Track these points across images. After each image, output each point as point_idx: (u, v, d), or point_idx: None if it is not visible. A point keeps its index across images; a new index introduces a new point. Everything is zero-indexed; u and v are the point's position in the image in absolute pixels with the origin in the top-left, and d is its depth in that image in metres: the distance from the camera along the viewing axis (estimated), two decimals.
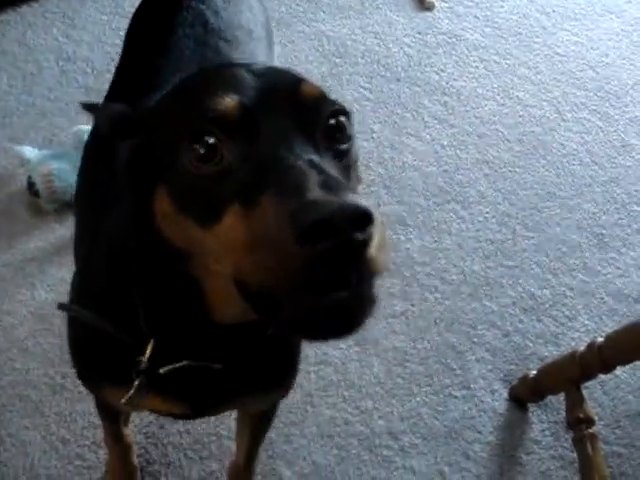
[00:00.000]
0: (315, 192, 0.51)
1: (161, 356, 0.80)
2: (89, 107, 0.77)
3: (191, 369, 0.80)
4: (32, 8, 2.31)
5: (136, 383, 0.82)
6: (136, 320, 0.78)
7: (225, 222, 0.57)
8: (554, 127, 2.25)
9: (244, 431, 1.24)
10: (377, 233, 0.51)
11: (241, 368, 0.84)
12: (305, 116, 0.60)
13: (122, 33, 2.18)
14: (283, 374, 0.99)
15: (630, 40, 2.62)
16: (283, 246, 0.50)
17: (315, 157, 0.57)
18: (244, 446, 1.26)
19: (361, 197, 0.52)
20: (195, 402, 0.90)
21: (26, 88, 2.07)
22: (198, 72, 0.72)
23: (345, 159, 0.64)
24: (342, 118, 0.64)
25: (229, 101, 0.59)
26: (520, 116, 2.26)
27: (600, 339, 1.42)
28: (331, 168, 0.58)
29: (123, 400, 0.84)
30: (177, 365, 0.79)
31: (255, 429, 1.22)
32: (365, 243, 0.50)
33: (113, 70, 2.02)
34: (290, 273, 0.51)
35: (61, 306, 0.91)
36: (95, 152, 1.08)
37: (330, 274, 0.51)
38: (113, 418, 1.23)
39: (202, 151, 0.58)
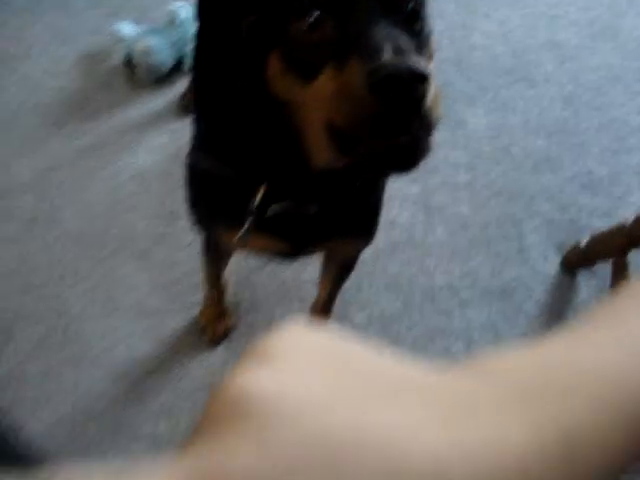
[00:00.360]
0: (387, 55, 0.66)
1: (268, 201, 0.97)
2: None
3: (292, 213, 0.97)
4: None
5: (247, 223, 0.99)
6: (250, 167, 0.95)
7: (321, 78, 0.74)
8: (624, 12, 2.27)
9: (327, 276, 1.41)
10: (432, 90, 0.66)
11: (334, 215, 1.01)
12: (389, 2, 0.74)
13: None
14: (368, 224, 1.14)
15: None
16: (361, 96, 0.66)
17: (392, 31, 0.71)
18: (325, 289, 1.44)
19: (422, 61, 0.67)
20: (294, 242, 1.08)
21: None
22: None
23: (419, 36, 0.77)
24: (417, 5, 0.77)
25: None
26: (591, 0, 2.29)
27: None
28: (406, 41, 0.72)
29: (235, 238, 1.01)
30: (281, 205, 0.97)
31: (337, 275, 1.39)
32: (422, 96, 0.65)
33: None
34: (365, 117, 0.67)
35: (188, 158, 1.08)
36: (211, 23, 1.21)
37: (395, 119, 0.67)
38: (217, 261, 1.42)
39: (310, 21, 0.74)
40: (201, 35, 1.24)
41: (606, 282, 1.71)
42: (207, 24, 1.21)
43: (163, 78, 1.93)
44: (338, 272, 1.38)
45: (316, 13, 0.74)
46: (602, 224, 1.81)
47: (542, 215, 1.82)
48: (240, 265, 1.64)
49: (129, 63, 1.90)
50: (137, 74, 1.90)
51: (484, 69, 2.06)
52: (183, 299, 1.61)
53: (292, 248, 1.10)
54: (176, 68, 1.95)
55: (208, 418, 0.26)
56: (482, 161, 1.89)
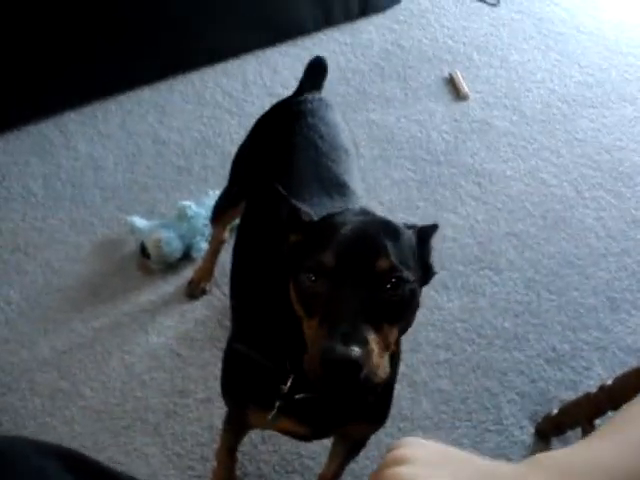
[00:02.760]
0: (337, 342, 0.89)
1: (295, 388, 1.14)
2: (281, 196, 1.13)
3: (315, 400, 1.15)
4: (129, 97, 2.71)
5: (277, 406, 1.17)
6: (281, 358, 1.14)
7: (310, 322, 0.98)
8: (573, 204, 2.58)
9: (337, 453, 1.57)
10: (371, 364, 0.91)
11: (351, 405, 1.19)
12: (372, 280, 0.96)
13: (205, 120, 2.62)
14: (382, 409, 1.33)
15: (639, 125, 2.96)
16: (316, 363, 0.92)
17: (359, 315, 0.93)
18: (335, 464, 1.58)
19: (363, 349, 0.91)
20: (314, 426, 1.25)
21: (129, 167, 2.45)
22: (327, 219, 1.07)
23: (395, 305, 0.98)
24: (398, 282, 0.98)
25: (330, 259, 0.96)
26: (544, 195, 2.59)
27: (609, 382, 1.74)
28: (361, 328, 0.93)
29: (269, 417, 1.18)
30: (308, 395, 1.14)
31: (347, 453, 1.54)
32: (354, 376, 0.90)
33: (200, 152, 2.43)
34: (317, 375, 0.92)
35: (232, 345, 1.28)
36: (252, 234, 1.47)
37: (335, 385, 0.92)
38: (238, 435, 1.57)
39: (310, 277, 0.98)
40: (242, 244, 1.48)
41: None
42: (250, 234, 1.45)
43: (173, 266, 2.15)
44: (349, 451, 1.54)
45: (314, 274, 0.98)
46: (568, 395, 2.00)
47: (515, 388, 2.01)
48: (244, 439, 1.78)
49: (143, 252, 2.11)
50: (149, 262, 2.12)
51: (455, 258, 2.32)
52: (193, 470, 1.74)
53: (313, 431, 1.27)
54: (184, 257, 2.18)
55: None
56: (458, 341, 2.11)
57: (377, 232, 0.99)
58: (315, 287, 0.97)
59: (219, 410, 1.72)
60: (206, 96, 2.75)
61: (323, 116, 1.58)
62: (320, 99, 1.65)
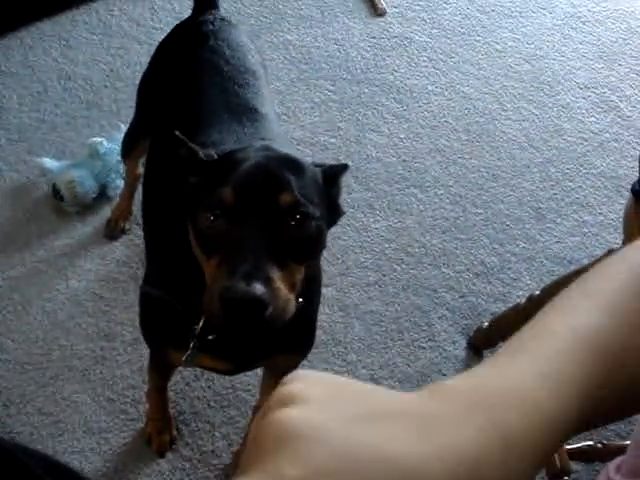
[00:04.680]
0: (237, 279, 0.87)
1: (208, 328, 1.12)
2: (178, 140, 1.07)
3: (230, 338, 1.13)
4: (29, 32, 2.55)
5: (192, 345, 1.14)
6: (193, 300, 1.10)
7: (210, 262, 0.96)
8: (496, 117, 2.57)
9: (268, 384, 1.56)
10: (278, 300, 0.90)
11: (269, 339, 1.16)
12: (275, 216, 0.94)
13: (113, 51, 2.50)
14: (305, 338, 1.31)
15: (561, 34, 2.91)
16: (215, 304, 0.91)
17: (262, 253, 0.91)
18: (267, 395, 1.57)
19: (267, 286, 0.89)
20: (235, 361, 1.23)
21: (34, 106, 2.33)
22: (226, 157, 1.04)
23: (301, 243, 0.97)
24: (302, 218, 0.96)
25: (230, 195, 0.94)
26: (466, 108, 2.58)
27: (537, 292, 1.77)
28: (263, 265, 0.91)
29: (183, 358, 1.16)
30: (218, 335, 1.12)
31: (277, 383, 1.53)
32: (258, 312, 0.88)
33: (110, 85, 2.32)
34: (218, 316, 0.91)
35: (143, 288, 1.23)
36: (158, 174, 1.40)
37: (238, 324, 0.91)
38: (164, 375, 1.54)
39: (209, 216, 0.94)
40: (148, 184, 1.42)
41: None
42: (155, 174, 1.38)
43: (88, 207, 2.07)
44: (278, 380, 1.52)
45: (214, 211, 0.94)
46: (498, 307, 2.03)
47: (445, 304, 2.03)
48: (176, 378, 1.75)
49: (56, 194, 2.02)
50: (64, 205, 2.03)
51: (380, 178, 2.30)
52: (126, 414, 1.70)
53: (235, 366, 1.25)
54: (100, 197, 2.09)
55: (256, 449, 0.38)
56: (386, 261, 2.10)
57: (279, 167, 0.97)
58: (214, 226, 0.94)
59: (147, 351, 1.67)
60: (112, 25, 2.61)
61: (227, 38, 1.51)
62: (222, 19, 1.57)
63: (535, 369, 0.43)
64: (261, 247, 0.90)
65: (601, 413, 0.46)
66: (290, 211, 0.94)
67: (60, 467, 0.56)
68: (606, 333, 0.45)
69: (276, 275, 0.90)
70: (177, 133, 1.07)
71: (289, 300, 0.92)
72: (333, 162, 1.14)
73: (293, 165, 0.99)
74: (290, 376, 0.44)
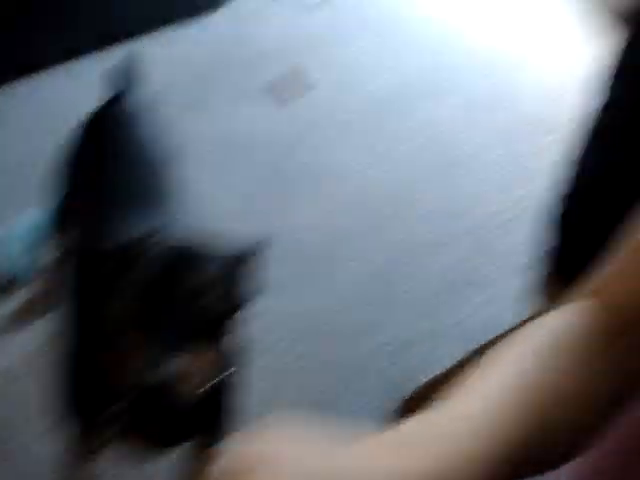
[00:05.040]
0: (144, 364, 0.91)
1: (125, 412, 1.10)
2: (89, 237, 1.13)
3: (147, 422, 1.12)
4: None
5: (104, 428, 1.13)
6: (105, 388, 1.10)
7: (115, 350, 1.00)
8: (416, 189, 2.65)
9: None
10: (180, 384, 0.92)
11: (187, 420, 1.15)
12: (181, 300, 0.96)
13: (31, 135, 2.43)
14: (221, 422, 1.30)
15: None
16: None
17: (170, 335, 0.93)
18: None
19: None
20: (151, 444, 1.21)
21: None
22: (129, 245, 1.03)
23: (206, 324, 0.98)
24: (209, 299, 0.98)
25: (138, 280, 0.97)
26: (378, 190, 2.64)
27: (456, 361, 1.78)
28: (181, 337, 0.94)
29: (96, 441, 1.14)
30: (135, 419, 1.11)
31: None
32: (164, 400, 0.93)
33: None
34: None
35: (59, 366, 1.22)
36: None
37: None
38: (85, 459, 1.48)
39: (115, 304, 0.99)
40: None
41: None
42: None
43: None
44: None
45: (125, 296, 0.98)
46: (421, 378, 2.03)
47: (369, 378, 2.02)
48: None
49: None
50: None
51: (297, 257, 2.34)
52: None
53: (151, 448, 1.24)
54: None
55: None
56: (305, 341, 2.12)
57: (183, 252, 1.01)
58: (119, 312, 0.94)
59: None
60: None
61: (141, 122, 1.53)
62: (138, 102, 1.59)
63: (470, 413, 0.45)
64: (168, 332, 0.91)
65: (530, 462, 0.48)
66: (196, 293, 0.96)
67: None
68: (532, 387, 0.48)
69: (184, 357, 0.91)
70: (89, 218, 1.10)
71: (199, 380, 0.93)
72: (249, 241, 1.15)
73: (198, 250, 1.02)
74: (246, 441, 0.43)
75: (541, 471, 0.51)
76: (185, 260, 0.98)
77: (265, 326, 2.07)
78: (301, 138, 2.75)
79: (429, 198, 2.64)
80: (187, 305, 0.95)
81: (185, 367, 0.90)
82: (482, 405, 0.46)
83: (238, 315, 1.06)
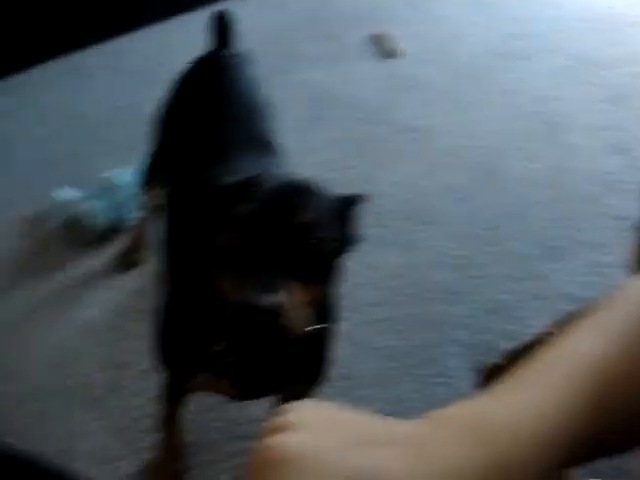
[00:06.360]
0: (255, 288, 0.88)
1: (225, 352, 1.12)
2: (198, 168, 1.11)
3: (246, 363, 1.13)
4: (42, 70, 2.61)
5: (206, 369, 1.15)
6: (209, 322, 1.11)
7: (226, 280, 0.96)
8: (505, 155, 2.59)
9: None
10: (292, 314, 0.90)
11: (283, 365, 1.17)
12: (291, 235, 0.94)
13: (125, 88, 2.52)
14: (318, 372, 1.31)
15: (571, 76, 2.98)
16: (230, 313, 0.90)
17: (277, 269, 0.91)
18: None
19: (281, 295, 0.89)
20: (247, 387, 1.22)
21: (50, 140, 2.36)
22: (245, 180, 1.03)
23: (317, 263, 0.97)
24: (319, 238, 0.97)
25: (248, 212, 0.95)
26: (476, 147, 2.60)
27: (547, 329, 1.75)
28: (293, 271, 0.92)
29: (196, 383, 1.16)
30: (234, 359, 1.12)
31: None
32: (272, 324, 0.88)
33: (123, 121, 2.34)
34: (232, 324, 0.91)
35: (158, 310, 1.24)
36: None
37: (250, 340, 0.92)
38: (176, 403, 1.53)
39: (225, 234, 0.96)
40: (171, 211, 1.44)
41: None
42: (177, 202, 1.40)
43: (101, 238, 2.08)
44: None
45: (235, 228, 0.96)
46: (511, 344, 2.01)
47: (458, 341, 2.01)
48: (188, 408, 1.74)
49: (70, 226, 2.03)
50: (77, 236, 2.04)
51: (392, 214, 2.31)
52: (137, 443, 1.69)
53: (246, 393, 1.25)
54: (113, 229, 2.11)
55: (250, 475, 0.39)
56: (397, 297, 2.10)
57: (298, 189, 0.99)
58: (231, 244, 0.95)
59: (160, 380, 1.66)
60: (123, 63, 2.66)
61: (243, 72, 1.55)
62: (240, 54, 1.61)
63: (533, 397, 0.43)
64: (276, 264, 0.91)
65: (605, 443, 0.46)
66: (306, 230, 0.95)
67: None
68: (612, 362, 0.46)
69: (291, 290, 0.90)
70: (195, 162, 1.10)
71: (304, 317, 0.92)
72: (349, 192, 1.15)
73: (311, 188, 1.01)
74: (286, 406, 0.44)
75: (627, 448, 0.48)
76: (296, 196, 0.97)
77: (356, 282, 2.08)
78: (394, 98, 2.73)
79: (524, 161, 2.58)
80: (296, 240, 0.94)
81: (289, 304, 0.89)
82: (560, 378, 0.44)
83: (342, 260, 1.05)
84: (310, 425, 0.41)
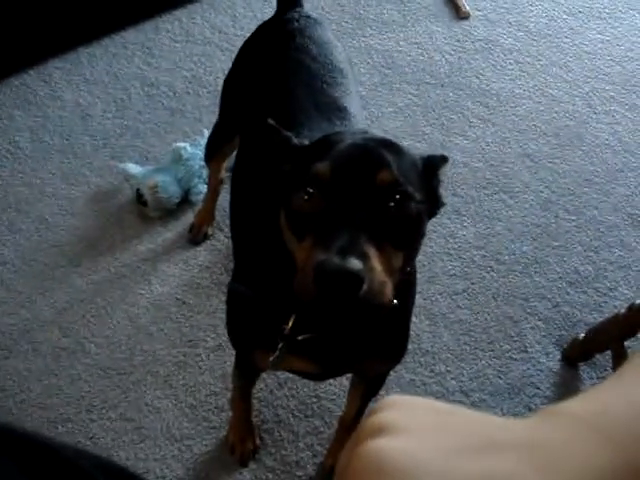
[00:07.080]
0: (332, 254, 0.80)
1: (299, 327, 1.06)
2: (271, 129, 1.02)
3: (321, 338, 1.07)
4: (113, 40, 2.58)
5: (280, 347, 1.09)
6: (283, 299, 1.04)
7: (303, 244, 0.88)
8: (587, 120, 2.47)
9: (356, 393, 1.47)
10: (373, 280, 0.81)
11: (362, 340, 1.10)
12: (373, 194, 0.86)
13: (195, 59, 2.49)
14: (397, 345, 1.23)
15: None
16: (308, 281, 0.82)
17: (359, 231, 0.83)
18: (355, 405, 1.49)
19: (362, 261, 0.81)
20: (324, 364, 1.16)
21: (119, 113, 2.34)
22: (322, 139, 0.97)
23: (400, 225, 0.88)
24: (402, 198, 0.88)
25: (326, 171, 0.87)
26: (555, 112, 2.48)
27: (638, 301, 1.65)
28: (359, 240, 0.83)
29: (270, 360, 1.10)
30: (309, 335, 1.06)
31: (366, 392, 1.44)
32: (354, 289, 0.80)
33: (192, 92, 2.31)
34: (310, 295, 0.83)
35: (231, 287, 1.19)
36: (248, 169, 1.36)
37: (330, 302, 0.82)
38: (249, 380, 1.49)
39: (303, 196, 0.88)
40: (238, 181, 1.38)
41: (607, 372, 1.81)
42: (245, 170, 1.34)
43: (172, 212, 2.05)
44: (367, 389, 1.45)
45: (309, 189, 0.88)
46: (594, 318, 1.92)
47: (538, 314, 1.93)
48: (260, 386, 1.71)
49: (139, 199, 2.01)
50: (147, 210, 2.02)
51: (467, 183, 2.22)
52: (208, 421, 1.67)
53: (323, 369, 1.18)
54: (183, 202, 2.07)
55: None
56: (475, 269, 2.01)
57: (378, 146, 0.90)
58: (309, 205, 0.88)
59: (231, 357, 1.63)
60: (194, 33, 2.61)
61: (313, 35, 1.46)
62: (308, 16, 1.52)
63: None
64: (358, 225, 0.83)
65: None
66: (389, 190, 0.87)
67: (112, 466, 0.53)
68: None
69: (373, 254, 0.82)
70: (270, 121, 1.02)
71: (385, 282, 0.84)
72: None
73: (393, 147, 0.91)
74: (383, 402, 0.39)
75: None
76: (378, 153, 0.88)
77: (433, 251, 2.01)
78: (467, 61, 2.62)
79: (606, 126, 2.44)
80: (379, 201, 0.86)
81: (373, 270, 0.81)
82: None
83: (426, 226, 0.95)
84: (411, 427, 0.35)
